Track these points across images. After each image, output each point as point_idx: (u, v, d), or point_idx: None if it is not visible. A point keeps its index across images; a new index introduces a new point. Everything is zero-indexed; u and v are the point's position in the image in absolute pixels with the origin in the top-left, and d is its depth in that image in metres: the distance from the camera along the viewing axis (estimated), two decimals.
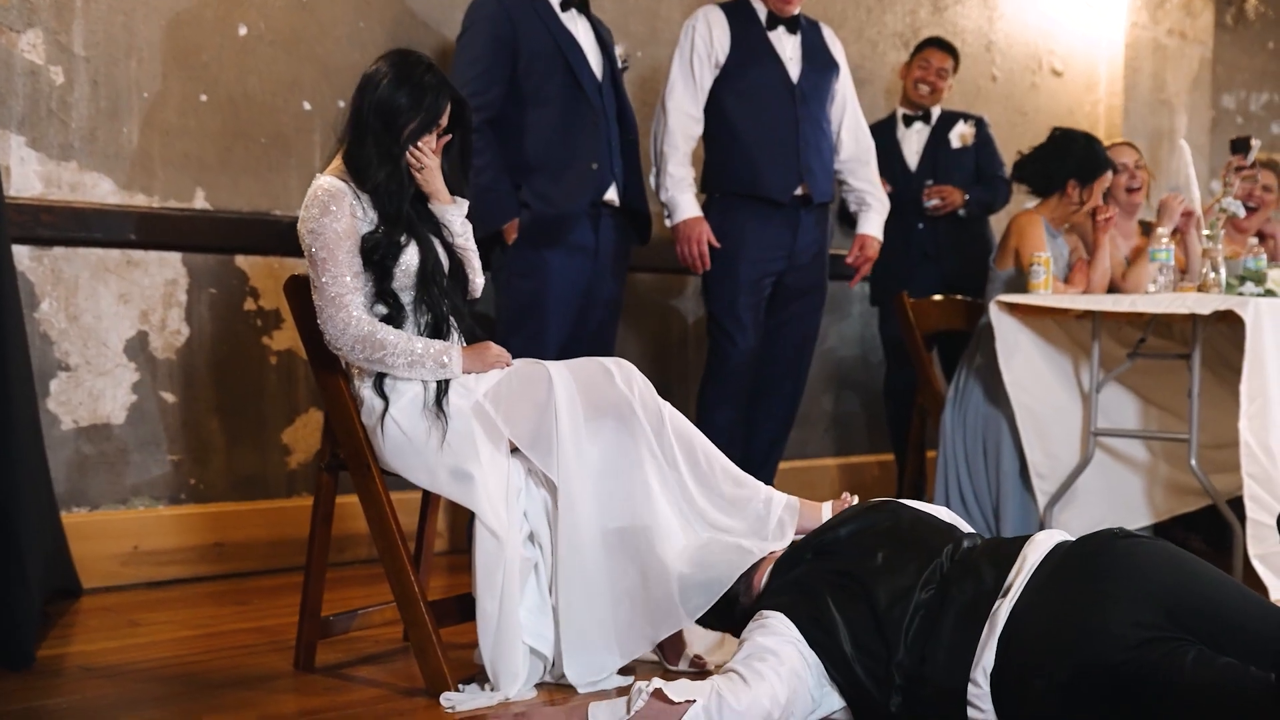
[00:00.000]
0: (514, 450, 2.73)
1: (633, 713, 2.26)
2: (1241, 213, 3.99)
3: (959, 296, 4.74)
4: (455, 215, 2.89)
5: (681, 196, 4.16)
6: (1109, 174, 4.44)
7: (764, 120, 4.22)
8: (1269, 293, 3.91)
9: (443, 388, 2.70)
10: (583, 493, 2.68)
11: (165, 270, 3.70)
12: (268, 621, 3.26)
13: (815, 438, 5.38)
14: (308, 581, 2.84)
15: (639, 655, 2.75)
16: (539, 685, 2.72)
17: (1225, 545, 4.17)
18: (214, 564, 3.76)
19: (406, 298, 2.75)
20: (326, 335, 2.69)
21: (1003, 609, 2.26)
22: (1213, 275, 3.86)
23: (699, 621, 2.67)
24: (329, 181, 2.70)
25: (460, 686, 2.64)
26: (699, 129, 4.23)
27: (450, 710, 2.56)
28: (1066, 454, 4.26)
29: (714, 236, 4.18)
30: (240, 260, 3.83)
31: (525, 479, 2.74)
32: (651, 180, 4.24)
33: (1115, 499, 4.31)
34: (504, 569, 2.64)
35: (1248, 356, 3.71)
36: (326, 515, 2.87)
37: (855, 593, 2.38)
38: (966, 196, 4.96)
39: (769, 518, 2.76)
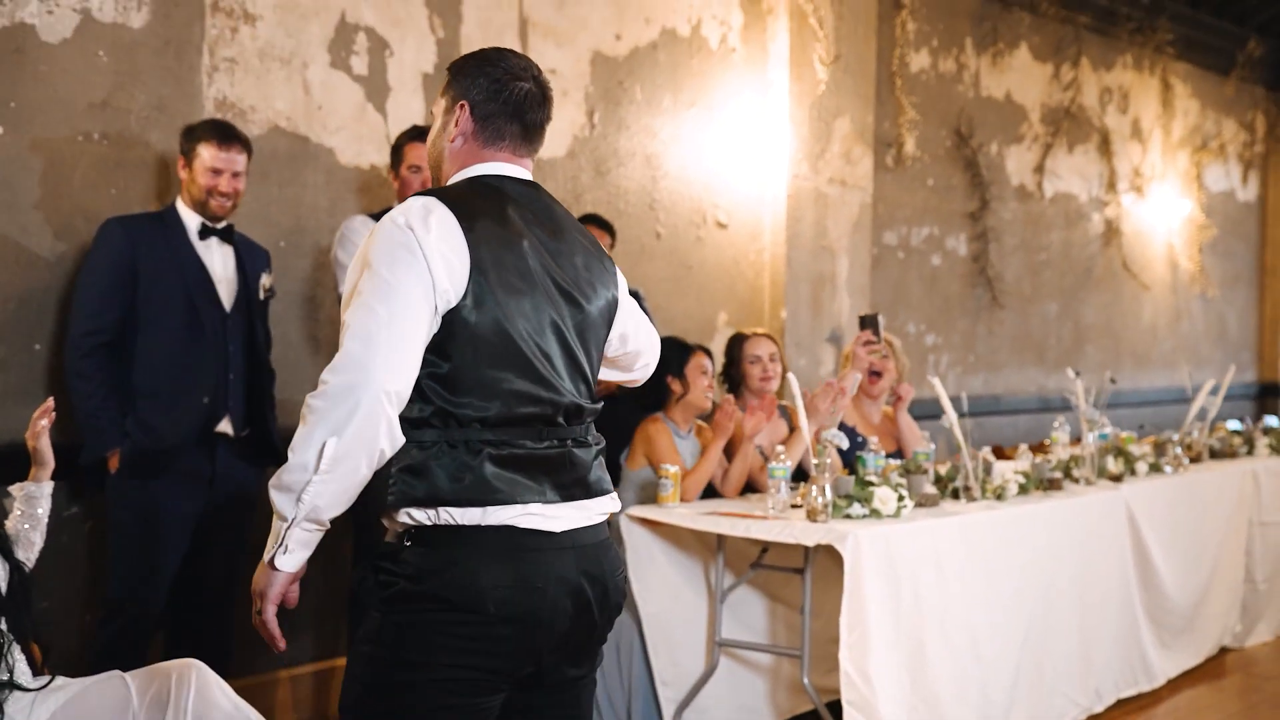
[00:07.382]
0: None
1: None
2: (844, 444, 4.19)
3: None
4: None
5: None
6: (699, 355, 4.60)
7: None
8: (874, 513, 4.10)
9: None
10: None
11: None
12: None
13: None
14: None
15: None
16: None
17: None
18: None
19: None
20: None
21: None
22: (821, 501, 4.02)
23: None
24: None
25: None
26: None
27: None
28: (693, 661, 4.38)
29: None
30: None
31: None
32: None
33: (740, 704, 4.45)
34: None
35: (846, 589, 3.87)
36: None
37: None
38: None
39: None
